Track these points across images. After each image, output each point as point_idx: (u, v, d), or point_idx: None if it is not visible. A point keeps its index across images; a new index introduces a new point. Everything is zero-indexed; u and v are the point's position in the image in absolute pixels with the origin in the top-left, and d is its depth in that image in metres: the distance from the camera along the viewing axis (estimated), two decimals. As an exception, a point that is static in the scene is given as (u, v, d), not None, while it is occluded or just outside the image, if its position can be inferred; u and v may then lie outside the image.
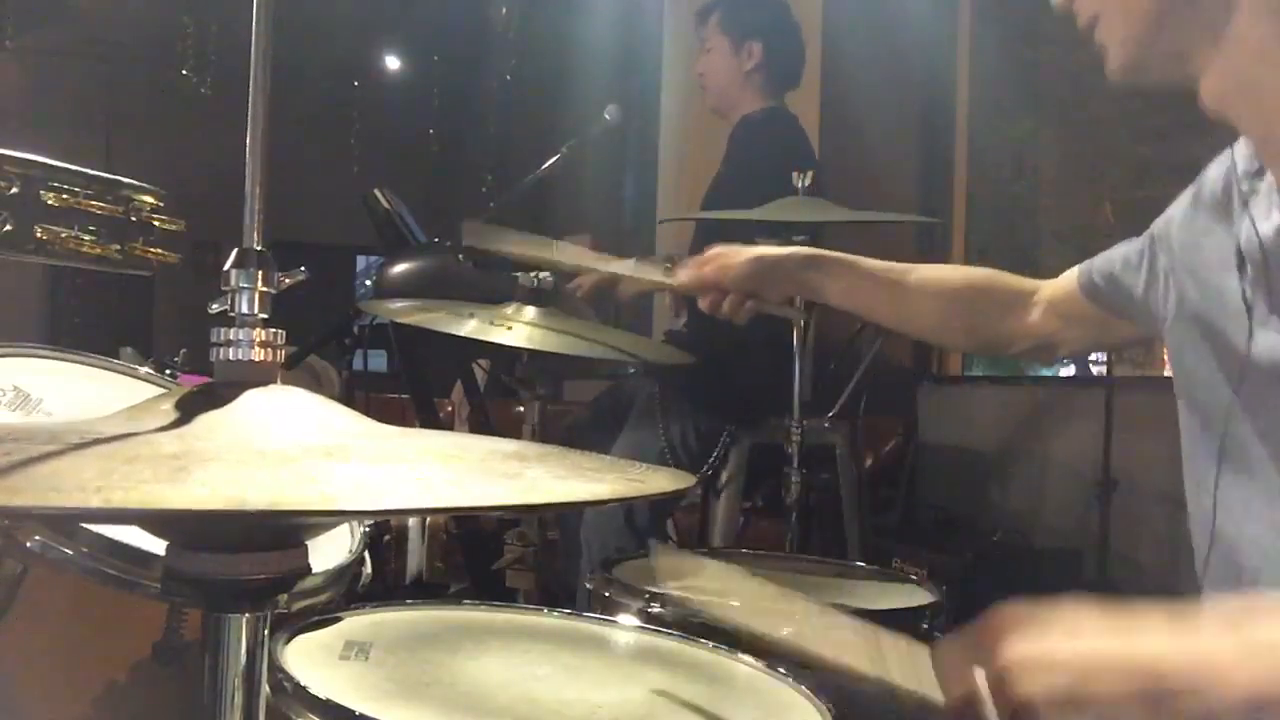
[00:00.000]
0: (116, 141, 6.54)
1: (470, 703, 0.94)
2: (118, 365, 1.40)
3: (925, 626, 1.45)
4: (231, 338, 0.64)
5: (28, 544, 1.00)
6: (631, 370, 2.65)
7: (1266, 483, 0.96)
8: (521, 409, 1.93)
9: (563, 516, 2.52)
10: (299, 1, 4.86)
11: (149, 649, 1.02)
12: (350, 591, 1.21)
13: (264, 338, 0.64)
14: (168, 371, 1.81)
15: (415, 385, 2.53)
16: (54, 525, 0.99)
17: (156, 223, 1.25)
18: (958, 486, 3.75)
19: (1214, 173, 1.07)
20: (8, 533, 1.00)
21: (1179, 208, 1.13)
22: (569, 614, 1.25)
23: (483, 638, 1.12)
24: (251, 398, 0.61)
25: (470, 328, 1.58)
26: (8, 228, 1.12)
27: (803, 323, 1.98)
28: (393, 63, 7.74)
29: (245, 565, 0.56)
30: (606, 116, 2.48)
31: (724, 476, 2.45)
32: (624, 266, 1.70)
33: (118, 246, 1.21)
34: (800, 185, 2.06)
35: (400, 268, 2.32)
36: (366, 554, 1.25)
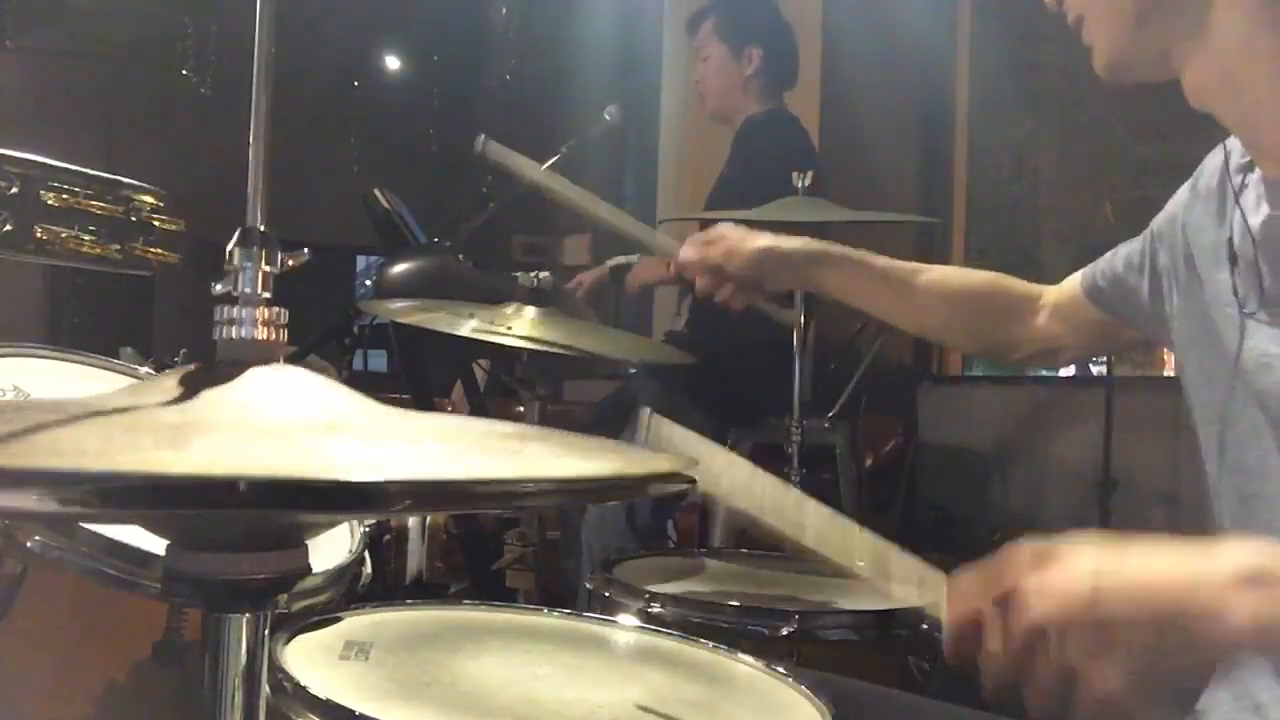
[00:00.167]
0: (116, 141, 6.54)
1: (470, 703, 0.94)
2: (118, 365, 1.40)
3: (925, 626, 1.45)
4: (234, 316, 0.64)
5: (28, 544, 1.00)
6: (632, 370, 2.65)
7: (1266, 481, 0.96)
8: (521, 409, 1.93)
9: (563, 516, 2.52)
10: (299, 1, 4.86)
11: (149, 649, 1.02)
12: (350, 591, 1.21)
13: (267, 316, 0.64)
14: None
15: (415, 385, 2.53)
16: (54, 523, 0.99)
17: (156, 223, 1.25)
18: (958, 486, 3.75)
19: (1210, 165, 1.08)
20: (8, 533, 1.00)
21: (1178, 202, 1.13)
22: (569, 614, 1.25)
23: (483, 638, 1.12)
24: (254, 375, 0.61)
25: (470, 328, 1.58)
26: (8, 228, 1.12)
27: (802, 323, 1.98)
28: (393, 63, 7.74)
29: (245, 565, 0.56)
30: (606, 116, 2.48)
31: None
32: (619, 218, 1.68)
33: (118, 246, 1.21)
34: (800, 185, 2.06)
35: (400, 268, 2.32)
36: (366, 554, 1.25)
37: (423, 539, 2.81)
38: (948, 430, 3.86)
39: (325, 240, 6.78)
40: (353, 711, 0.84)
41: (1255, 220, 0.96)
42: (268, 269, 0.65)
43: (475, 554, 2.49)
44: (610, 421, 2.59)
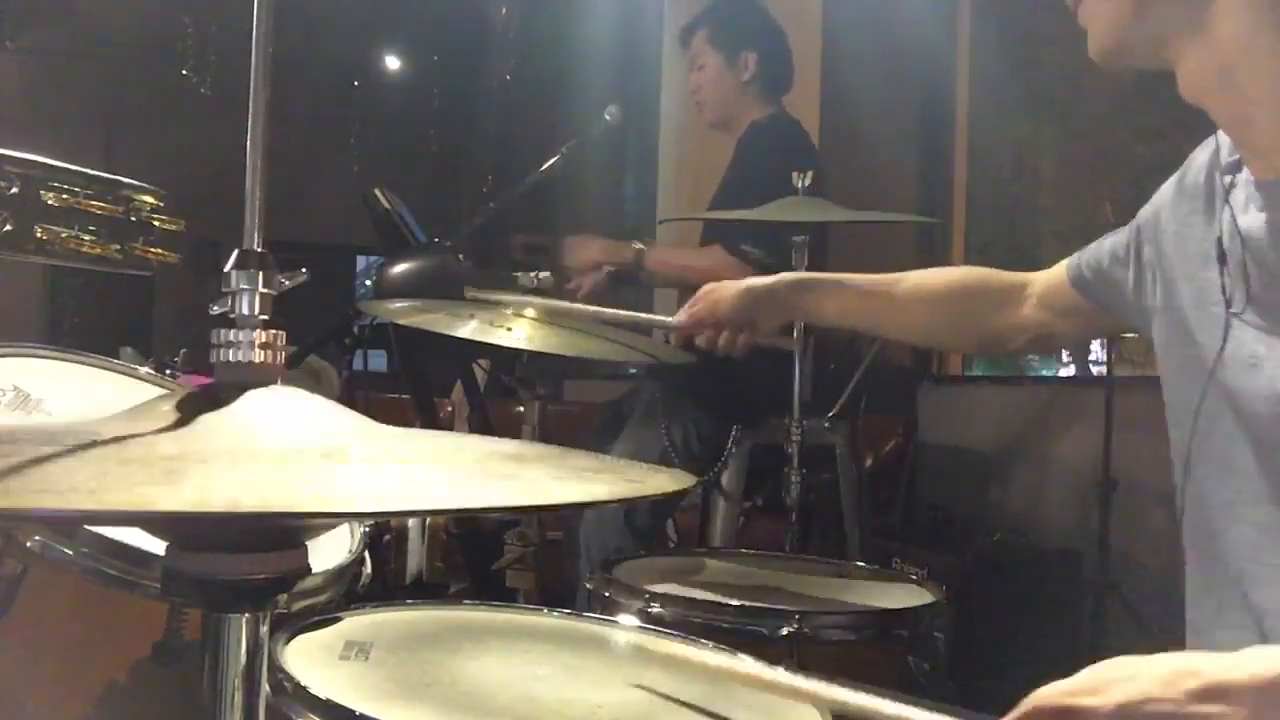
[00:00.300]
0: (116, 141, 6.54)
1: (470, 703, 0.94)
2: (118, 365, 1.40)
3: (925, 627, 1.45)
4: (232, 339, 0.64)
5: (28, 544, 1.00)
6: (633, 371, 2.64)
7: (1246, 480, 0.96)
8: (521, 409, 1.93)
9: (563, 516, 2.52)
10: (299, 1, 4.86)
11: (149, 649, 1.02)
12: (350, 591, 1.21)
13: (265, 339, 0.64)
14: (168, 371, 1.81)
15: (415, 385, 2.52)
16: (53, 526, 0.99)
17: (156, 223, 1.25)
18: (958, 486, 3.75)
19: (1198, 161, 1.08)
20: (8, 533, 1.00)
21: (1164, 196, 1.13)
22: (569, 614, 1.25)
23: (483, 638, 1.12)
24: (251, 399, 0.61)
25: (470, 328, 1.58)
26: (8, 228, 1.12)
27: (803, 325, 1.98)
28: (393, 63, 7.74)
29: (245, 565, 0.56)
30: (606, 117, 2.48)
31: (724, 477, 2.45)
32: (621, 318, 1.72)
33: (118, 246, 1.21)
34: (800, 185, 2.06)
35: (400, 268, 2.32)
36: (366, 554, 1.26)
37: (423, 539, 2.81)
38: (948, 430, 3.86)
39: (325, 240, 6.79)
40: (353, 711, 0.84)
41: (1244, 221, 0.96)
42: (265, 291, 0.65)
43: (475, 554, 2.49)
44: (613, 425, 2.59)
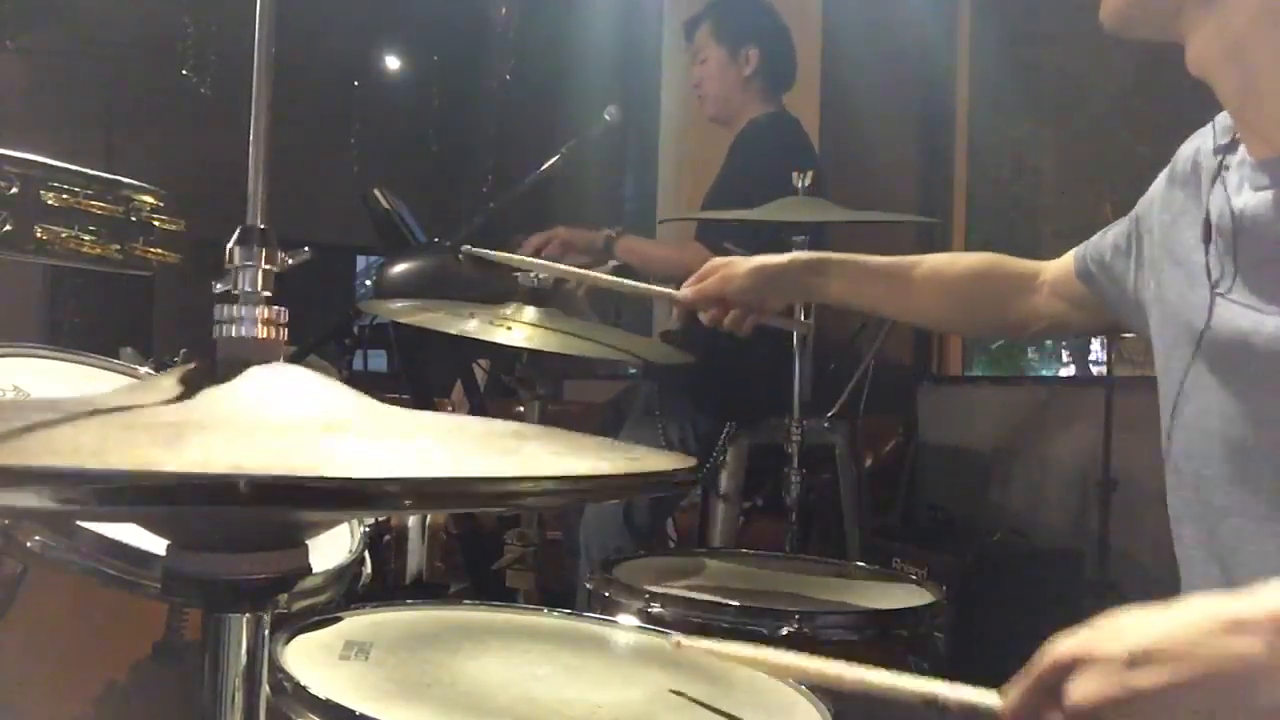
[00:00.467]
0: (116, 141, 6.53)
1: (470, 703, 0.94)
2: (118, 365, 1.40)
3: (925, 627, 1.45)
4: (234, 315, 0.64)
5: (28, 544, 1.00)
6: (632, 371, 2.64)
7: (1233, 463, 0.96)
8: (521, 409, 1.93)
9: (563, 516, 2.52)
10: (299, 1, 4.85)
11: (149, 649, 1.02)
12: (350, 591, 1.21)
13: (267, 315, 0.64)
14: (168, 371, 1.81)
15: (415, 385, 2.53)
16: (54, 523, 0.99)
17: (156, 223, 1.25)
18: (958, 486, 3.75)
19: (1187, 149, 1.08)
20: (8, 533, 1.00)
21: (1158, 186, 1.14)
22: (569, 614, 1.25)
23: (483, 638, 1.12)
24: (254, 374, 0.61)
25: (470, 328, 1.58)
26: (8, 228, 1.12)
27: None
28: (393, 63, 7.73)
29: (245, 565, 0.56)
30: (606, 117, 2.48)
31: (724, 476, 2.45)
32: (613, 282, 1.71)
33: (118, 246, 1.21)
34: (800, 185, 2.06)
35: (400, 268, 2.32)
36: (366, 554, 1.26)
37: (423, 539, 2.81)
38: (948, 430, 3.85)
39: (325, 240, 6.78)
40: (353, 711, 0.84)
41: (1239, 201, 0.96)
42: (268, 267, 0.65)
43: (475, 554, 2.49)
44: (612, 425, 2.59)
